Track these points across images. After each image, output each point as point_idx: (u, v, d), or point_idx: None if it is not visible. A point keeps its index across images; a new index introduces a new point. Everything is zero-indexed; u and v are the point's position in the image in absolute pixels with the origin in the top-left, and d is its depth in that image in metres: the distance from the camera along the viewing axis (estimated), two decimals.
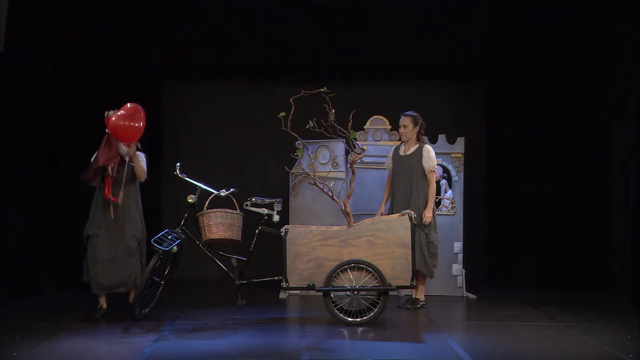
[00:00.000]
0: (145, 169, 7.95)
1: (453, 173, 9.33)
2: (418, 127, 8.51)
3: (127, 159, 7.78)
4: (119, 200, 7.71)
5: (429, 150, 8.48)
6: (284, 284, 7.62)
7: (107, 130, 7.64)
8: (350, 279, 7.53)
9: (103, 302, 7.84)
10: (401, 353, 6.45)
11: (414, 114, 8.53)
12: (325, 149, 9.34)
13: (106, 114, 7.65)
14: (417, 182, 8.42)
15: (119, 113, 7.62)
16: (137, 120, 7.62)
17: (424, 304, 8.50)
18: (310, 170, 8.21)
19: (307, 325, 7.57)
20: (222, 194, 7.87)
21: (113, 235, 7.69)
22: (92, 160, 7.70)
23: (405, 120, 8.52)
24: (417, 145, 8.53)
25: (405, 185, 8.43)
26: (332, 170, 9.19)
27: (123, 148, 7.75)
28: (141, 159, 7.93)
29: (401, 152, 8.58)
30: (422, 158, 8.44)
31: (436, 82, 10.80)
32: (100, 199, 7.74)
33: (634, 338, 6.86)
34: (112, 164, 7.67)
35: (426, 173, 8.45)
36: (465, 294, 9.25)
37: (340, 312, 7.56)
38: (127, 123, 7.58)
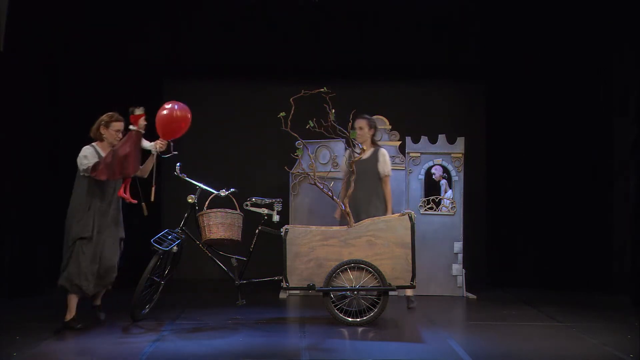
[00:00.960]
0: None
1: (453, 173, 9.33)
2: (373, 130, 8.50)
3: (155, 153, 7.63)
4: (152, 197, 7.50)
5: (385, 154, 8.48)
6: (284, 284, 7.62)
7: (133, 127, 7.39)
8: (350, 279, 7.53)
9: (75, 307, 7.38)
10: (401, 353, 6.45)
11: (369, 117, 8.51)
12: (325, 149, 9.34)
13: (133, 111, 7.45)
14: (377, 186, 8.38)
15: (175, 107, 7.53)
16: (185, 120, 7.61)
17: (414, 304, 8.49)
18: (310, 170, 8.20)
19: (307, 325, 7.58)
20: (222, 194, 7.87)
21: (114, 237, 7.47)
22: (113, 155, 7.29)
23: (360, 123, 8.46)
24: (373, 148, 8.51)
25: (365, 189, 8.32)
26: (332, 170, 9.18)
27: (146, 143, 7.59)
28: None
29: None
30: (378, 162, 8.44)
31: (436, 82, 10.80)
32: (97, 201, 7.36)
33: (634, 338, 6.87)
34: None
35: (382, 177, 8.44)
36: (465, 294, 9.25)
37: (340, 312, 7.56)
38: (182, 115, 7.53)
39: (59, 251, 9.64)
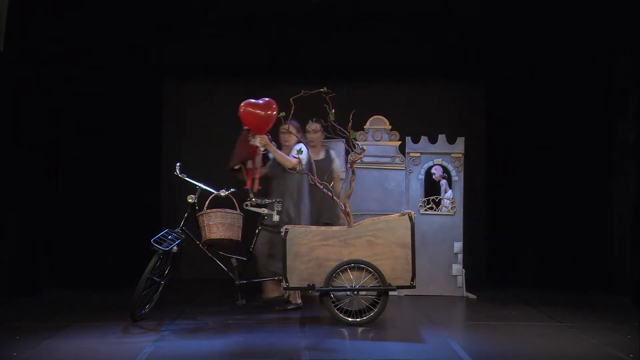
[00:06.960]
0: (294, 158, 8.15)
1: (453, 173, 9.33)
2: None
3: (261, 149, 8.13)
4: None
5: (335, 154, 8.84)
6: (284, 284, 7.62)
7: (243, 127, 8.06)
8: (350, 279, 7.52)
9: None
10: (401, 353, 6.45)
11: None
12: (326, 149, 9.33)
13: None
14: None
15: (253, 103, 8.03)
16: (266, 110, 8.01)
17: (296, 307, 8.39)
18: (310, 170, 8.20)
19: (307, 325, 7.58)
20: (222, 194, 7.86)
21: None
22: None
23: (315, 126, 8.63)
24: (324, 149, 8.80)
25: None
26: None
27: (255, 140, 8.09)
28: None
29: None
30: (332, 162, 8.74)
31: (436, 82, 10.79)
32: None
33: (634, 338, 6.87)
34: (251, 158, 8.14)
35: (335, 177, 8.65)
36: (465, 294, 9.25)
37: (340, 312, 7.56)
38: (255, 112, 8.01)
39: (59, 251, 9.68)
